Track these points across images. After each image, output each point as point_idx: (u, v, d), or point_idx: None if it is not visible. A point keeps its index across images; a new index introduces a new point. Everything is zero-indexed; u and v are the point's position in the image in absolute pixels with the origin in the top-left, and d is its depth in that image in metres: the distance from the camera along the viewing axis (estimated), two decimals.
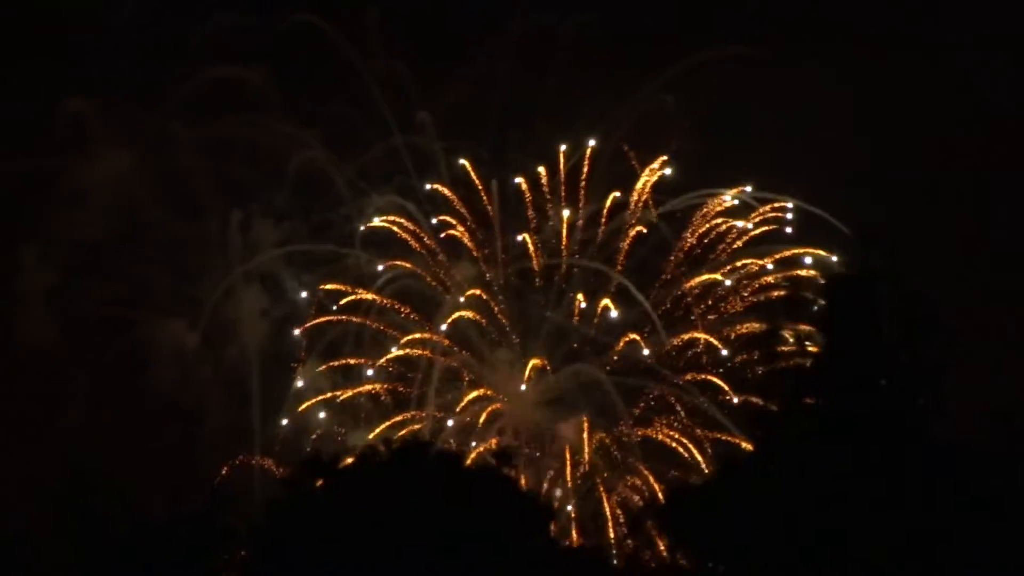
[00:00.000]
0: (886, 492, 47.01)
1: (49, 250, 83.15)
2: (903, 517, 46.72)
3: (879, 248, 51.24)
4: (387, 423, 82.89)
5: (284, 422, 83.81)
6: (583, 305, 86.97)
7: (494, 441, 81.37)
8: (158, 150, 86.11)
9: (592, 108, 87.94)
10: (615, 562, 57.95)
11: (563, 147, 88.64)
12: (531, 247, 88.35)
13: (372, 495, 50.53)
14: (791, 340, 55.27)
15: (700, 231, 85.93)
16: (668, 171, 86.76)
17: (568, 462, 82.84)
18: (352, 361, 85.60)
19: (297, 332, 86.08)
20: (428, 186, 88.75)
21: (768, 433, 52.64)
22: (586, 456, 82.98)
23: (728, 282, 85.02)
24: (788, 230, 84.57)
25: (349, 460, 54.29)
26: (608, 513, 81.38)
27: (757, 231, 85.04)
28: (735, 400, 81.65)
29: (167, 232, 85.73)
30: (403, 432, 78.99)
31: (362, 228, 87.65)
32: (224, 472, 78.89)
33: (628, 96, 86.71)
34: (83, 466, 56.16)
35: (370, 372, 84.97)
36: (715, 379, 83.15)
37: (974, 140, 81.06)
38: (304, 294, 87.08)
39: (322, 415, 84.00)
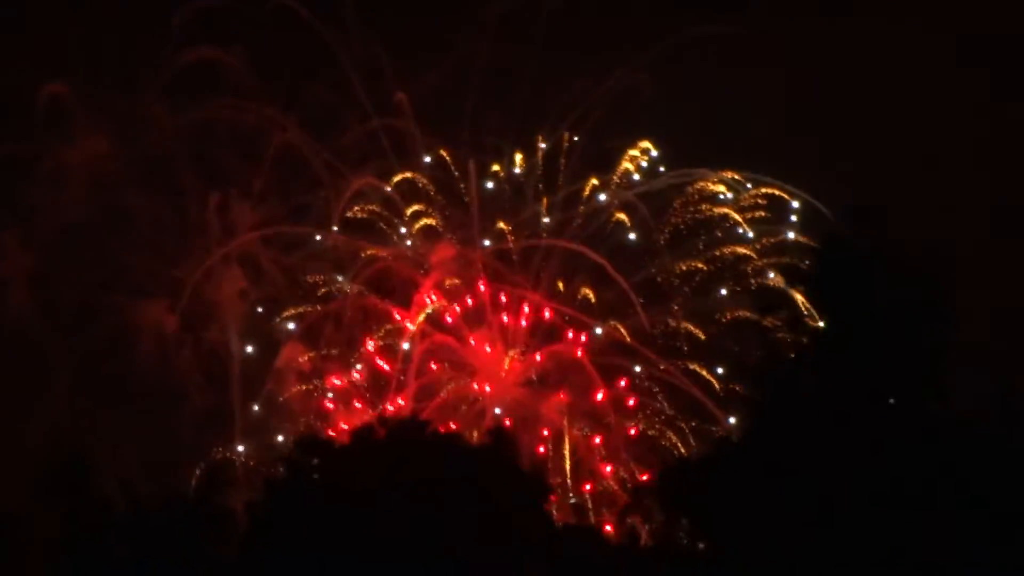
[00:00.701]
0: (885, 478, 47.30)
1: (29, 234, 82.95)
2: (901, 502, 47.03)
3: (873, 225, 51.45)
4: (369, 407, 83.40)
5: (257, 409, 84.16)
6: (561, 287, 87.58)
7: (476, 432, 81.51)
8: (137, 133, 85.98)
9: (571, 90, 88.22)
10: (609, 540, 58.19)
11: (541, 130, 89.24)
12: (508, 230, 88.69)
13: (369, 473, 50.80)
14: (778, 326, 55.45)
15: (683, 214, 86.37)
16: (650, 152, 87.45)
17: (549, 442, 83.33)
18: (335, 351, 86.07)
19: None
20: (399, 177, 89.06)
21: (761, 417, 52.86)
22: (566, 439, 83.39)
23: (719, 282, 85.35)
24: (792, 222, 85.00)
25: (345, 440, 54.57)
26: (587, 497, 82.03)
27: (741, 216, 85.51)
28: (718, 386, 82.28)
29: (147, 214, 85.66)
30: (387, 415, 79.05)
31: (335, 229, 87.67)
32: (212, 454, 79.12)
33: (606, 77, 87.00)
34: (75, 447, 56.17)
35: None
36: (696, 367, 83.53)
37: (977, 118, 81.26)
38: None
39: (280, 438, 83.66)
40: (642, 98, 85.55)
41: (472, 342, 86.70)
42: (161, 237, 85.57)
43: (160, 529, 52.57)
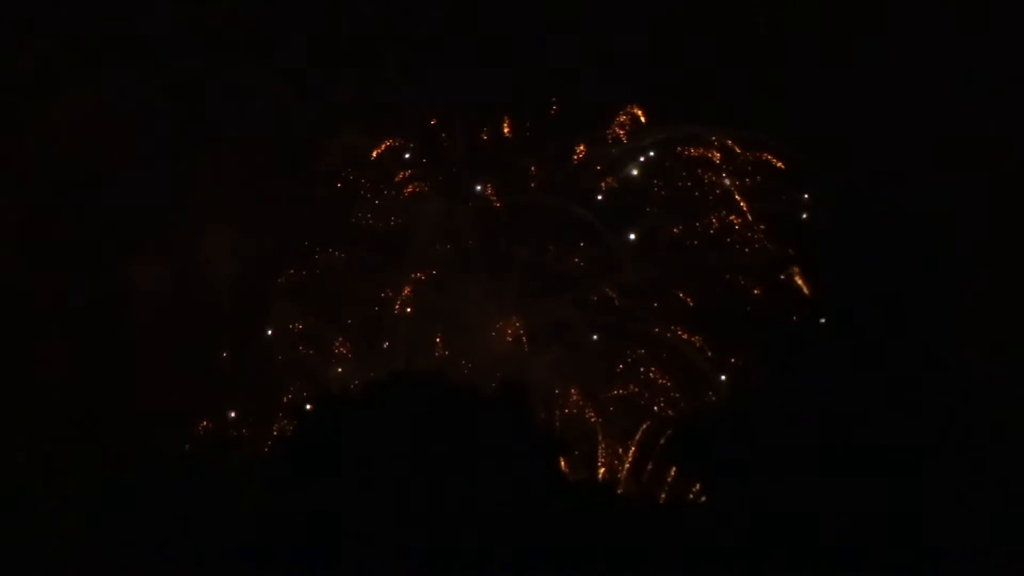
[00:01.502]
0: (898, 430, 47.60)
1: (16, 191, 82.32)
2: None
3: (884, 179, 51.64)
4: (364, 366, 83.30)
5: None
6: (551, 244, 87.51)
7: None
8: (125, 89, 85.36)
9: (561, 47, 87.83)
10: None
11: (530, 88, 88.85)
12: (493, 188, 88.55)
13: (382, 424, 50.75)
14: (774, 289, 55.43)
15: (675, 174, 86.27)
16: (639, 118, 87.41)
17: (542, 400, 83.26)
18: (328, 313, 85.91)
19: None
20: (388, 142, 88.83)
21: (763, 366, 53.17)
22: (559, 401, 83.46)
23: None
24: (789, 186, 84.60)
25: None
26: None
27: (735, 179, 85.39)
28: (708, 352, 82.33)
29: (135, 171, 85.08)
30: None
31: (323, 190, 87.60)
32: (208, 413, 78.94)
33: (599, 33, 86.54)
34: (77, 406, 56.07)
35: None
36: (684, 332, 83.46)
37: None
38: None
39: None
40: (636, 57, 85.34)
41: (461, 298, 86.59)
42: (151, 194, 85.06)
43: (170, 487, 52.58)
